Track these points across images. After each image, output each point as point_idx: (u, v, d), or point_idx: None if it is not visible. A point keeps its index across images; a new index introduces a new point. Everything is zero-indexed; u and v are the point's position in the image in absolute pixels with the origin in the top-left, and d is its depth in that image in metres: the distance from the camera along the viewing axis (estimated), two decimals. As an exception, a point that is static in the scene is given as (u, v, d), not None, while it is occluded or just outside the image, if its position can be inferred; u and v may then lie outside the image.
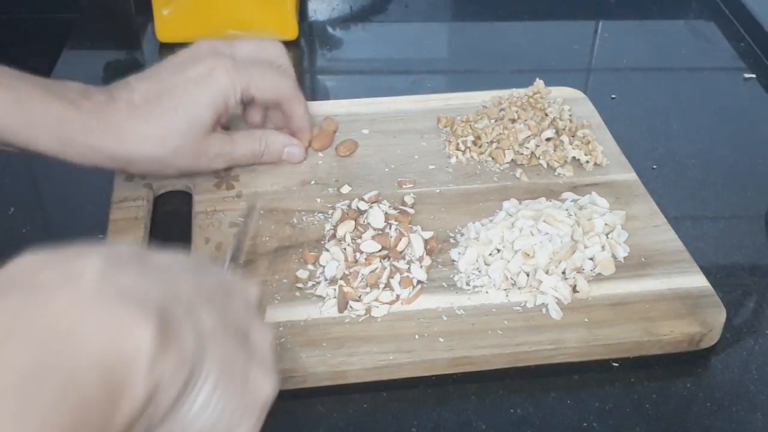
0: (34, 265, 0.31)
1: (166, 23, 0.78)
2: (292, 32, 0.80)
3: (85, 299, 0.30)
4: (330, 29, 0.86)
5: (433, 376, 0.49)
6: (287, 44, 0.80)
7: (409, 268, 0.52)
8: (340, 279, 0.51)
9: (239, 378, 0.35)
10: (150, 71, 0.56)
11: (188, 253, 0.51)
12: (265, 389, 0.36)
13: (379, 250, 0.53)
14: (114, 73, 0.78)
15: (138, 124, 0.53)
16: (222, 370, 0.34)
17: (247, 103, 0.61)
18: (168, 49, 0.79)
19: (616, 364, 0.50)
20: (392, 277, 0.52)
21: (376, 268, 0.52)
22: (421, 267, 0.53)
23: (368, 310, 0.51)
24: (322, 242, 0.55)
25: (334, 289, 0.51)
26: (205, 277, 0.37)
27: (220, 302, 0.36)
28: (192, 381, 0.32)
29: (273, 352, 0.38)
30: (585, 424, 0.47)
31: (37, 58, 0.80)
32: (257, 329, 0.38)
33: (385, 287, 0.51)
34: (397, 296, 0.51)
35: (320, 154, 0.64)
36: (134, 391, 0.30)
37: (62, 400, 0.28)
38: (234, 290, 0.38)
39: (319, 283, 0.52)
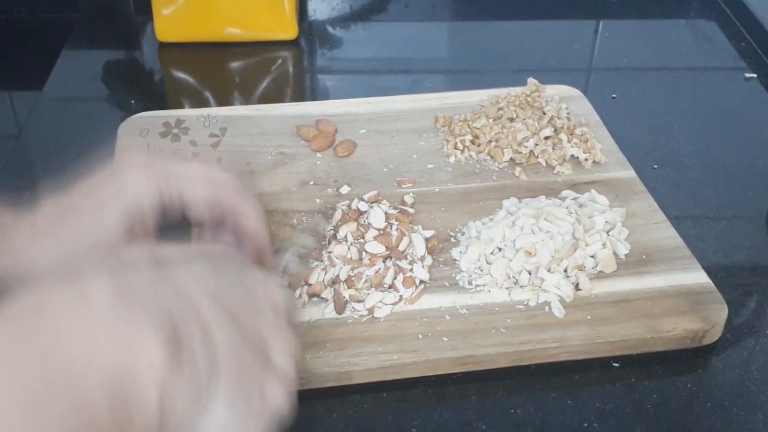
0: (44, 292, 0.31)
1: (165, 23, 0.78)
2: (291, 32, 0.80)
3: (95, 322, 0.30)
4: (330, 29, 0.86)
5: (433, 376, 0.49)
6: (287, 44, 0.81)
7: (411, 268, 0.52)
8: (343, 281, 0.51)
9: (255, 392, 0.34)
10: (69, 187, 0.46)
11: (213, 246, 0.46)
12: (278, 403, 0.35)
13: (383, 252, 0.53)
14: (114, 72, 0.78)
15: (36, 249, 0.45)
16: (237, 385, 0.33)
17: (179, 219, 0.47)
18: (168, 48, 0.79)
19: (616, 364, 0.50)
20: (395, 278, 0.52)
21: (380, 269, 0.52)
22: (423, 266, 0.53)
23: (371, 311, 0.50)
24: (323, 242, 0.55)
25: (332, 290, 0.51)
26: (228, 281, 0.35)
27: (241, 309, 0.35)
28: (205, 398, 0.32)
29: (293, 362, 0.37)
30: (585, 425, 0.47)
31: (37, 58, 0.80)
32: (279, 338, 0.36)
33: (389, 288, 0.51)
34: (401, 297, 0.51)
35: (319, 155, 0.64)
36: (146, 410, 0.29)
37: (72, 420, 0.28)
38: (259, 294, 0.37)
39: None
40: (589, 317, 0.51)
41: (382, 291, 0.51)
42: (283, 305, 0.38)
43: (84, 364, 0.29)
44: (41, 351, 0.28)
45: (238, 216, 0.47)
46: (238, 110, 0.69)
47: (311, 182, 0.61)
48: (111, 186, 0.44)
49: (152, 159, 0.46)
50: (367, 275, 0.51)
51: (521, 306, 0.51)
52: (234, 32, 0.79)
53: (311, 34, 0.84)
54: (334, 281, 0.52)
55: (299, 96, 0.76)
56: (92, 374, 0.29)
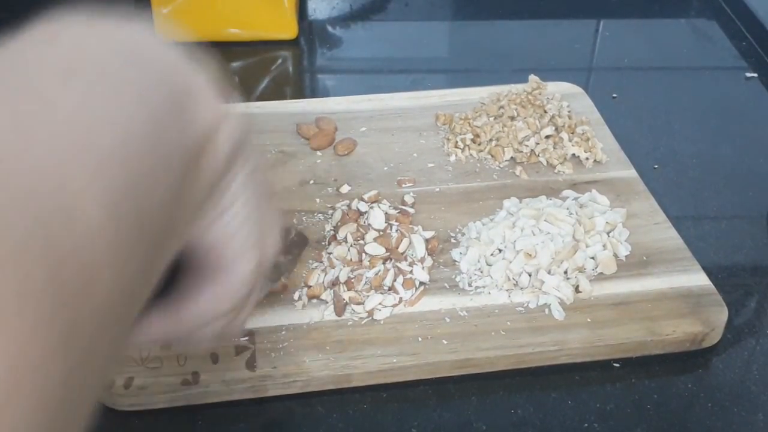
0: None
1: (165, 22, 0.78)
2: (291, 31, 0.80)
3: (145, 31, 0.30)
4: (330, 28, 0.85)
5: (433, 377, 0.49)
6: (287, 43, 0.81)
7: (411, 269, 0.52)
8: (343, 283, 0.51)
9: (261, 205, 0.34)
10: None
11: None
12: (269, 249, 0.35)
13: (383, 253, 0.52)
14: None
15: None
16: (254, 173, 0.33)
17: None
18: (167, 48, 0.79)
19: (617, 365, 0.50)
20: (395, 280, 0.52)
21: (379, 271, 0.52)
22: (423, 268, 0.53)
23: (370, 313, 0.50)
24: (323, 243, 0.55)
25: (331, 292, 0.51)
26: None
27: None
28: (236, 156, 0.32)
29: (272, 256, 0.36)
30: (586, 425, 0.47)
31: (37, 57, 0.80)
32: (273, 216, 0.36)
33: (389, 290, 0.51)
34: (400, 299, 0.51)
35: (319, 153, 0.64)
36: (203, 118, 0.29)
37: (140, 102, 0.27)
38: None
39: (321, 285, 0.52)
40: (588, 320, 0.51)
41: (381, 293, 0.51)
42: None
43: (143, 56, 0.29)
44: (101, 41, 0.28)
45: None
46: (237, 108, 0.68)
47: (311, 181, 0.61)
48: None
49: None
50: (367, 277, 0.51)
51: (521, 308, 0.51)
52: (234, 32, 0.79)
53: (311, 34, 0.84)
54: (334, 283, 0.51)
55: (299, 95, 0.76)
56: (151, 68, 0.29)
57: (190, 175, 0.29)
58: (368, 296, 0.51)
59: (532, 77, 0.68)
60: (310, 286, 0.51)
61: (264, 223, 0.35)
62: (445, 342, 0.49)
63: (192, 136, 0.29)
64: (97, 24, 0.29)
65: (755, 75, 0.78)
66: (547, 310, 0.51)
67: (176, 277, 0.34)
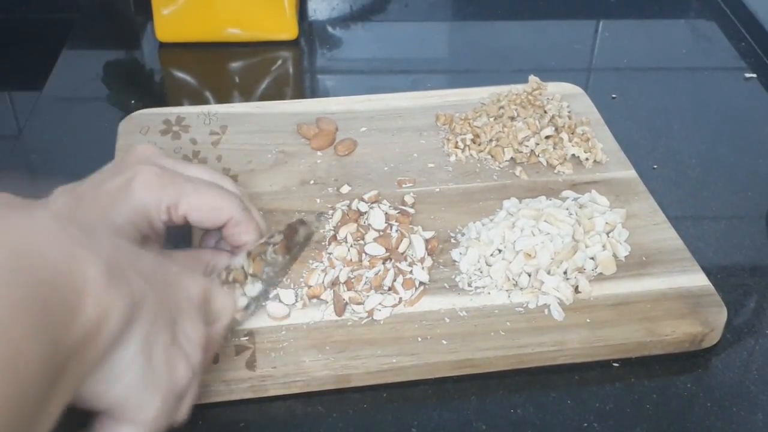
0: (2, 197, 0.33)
1: (165, 23, 0.78)
2: (291, 32, 0.80)
3: (45, 225, 0.32)
4: (330, 28, 0.86)
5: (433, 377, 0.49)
6: (287, 44, 0.81)
7: (411, 270, 0.52)
8: (343, 283, 0.51)
9: (162, 353, 0.36)
10: (79, 182, 0.47)
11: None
12: (181, 377, 0.38)
13: (383, 253, 0.53)
14: (114, 72, 0.78)
15: None
16: (150, 333, 0.35)
17: (184, 223, 0.48)
18: (168, 48, 0.79)
19: (616, 364, 0.50)
20: (395, 280, 0.52)
21: (380, 271, 0.52)
22: (423, 268, 0.53)
23: (370, 313, 0.50)
24: (323, 243, 0.55)
25: (331, 292, 0.51)
26: (158, 266, 0.38)
27: (160, 283, 0.37)
28: (127, 330, 0.34)
29: (201, 352, 0.40)
30: (585, 425, 0.47)
31: (37, 58, 0.80)
32: (192, 322, 0.39)
33: (389, 290, 0.51)
34: (400, 299, 0.51)
35: (319, 153, 0.64)
36: (85, 312, 0.31)
37: (28, 295, 0.29)
38: (175, 281, 0.39)
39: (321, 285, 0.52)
40: (588, 320, 0.51)
41: (381, 293, 0.51)
42: (198, 298, 0.40)
43: (33, 257, 0.30)
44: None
45: (237, 228, 0.48)
46: (238, 107, 0.69)
47: (311, 181, 0.61)
48: (123, 193, 0.45)
49: (162, 167, 0.47)
50: (367, 277, 0.51)
51: (521, 308, 0.51)
52: (234, 32, 0.79)
53: (311, 34, 0.84)
54: (334, 283, 0.51)
55: (299, 96, 0.76)
56: (41, 266, 0.30)
57: (74, 364, 0.31)
58: (368, 296, 0.51)
59: (532, 78, 0.68)
60: (310, 286, 0.52)
61: (165, 365, 0.37)
62: (445, 342, 0.49)
63: (75, 336, 0.31)
64: None
65: (754, 75, 0.78)
66: (546, 311, 0.51)
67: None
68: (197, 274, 0.43)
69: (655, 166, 0.66)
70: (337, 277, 0.51)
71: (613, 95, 0.75)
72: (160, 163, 0.47)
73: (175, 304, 0.39)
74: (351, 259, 0.52)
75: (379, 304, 0.51)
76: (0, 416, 0.27)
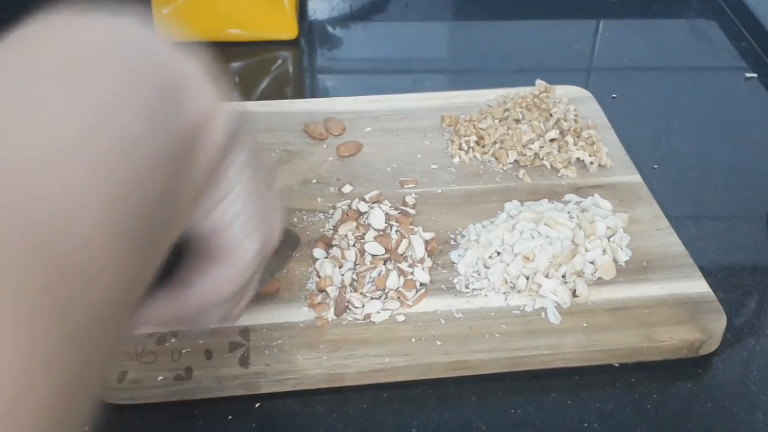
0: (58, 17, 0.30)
1: (165, 22, 0.78)
2: (291, 31, 0.80)
3: (135, 23, 0.30)
4: (330, 28, 0.86)
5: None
6: (287, 43, 0.81)
7: (412, 271, 0.52)
8: (349, 285, 0.51)
9: (263, 194, 0.34)
10: None
11: None
12: (275, 232, 0.36)
13: (383, 254, 0.52)
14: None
15: None
16: (251, 162, 0.33)
17: None
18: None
19: (616, 365, 0.50)
20: (398, 283, 0.51)
21: (381, 271, 0.52)
22: (423, 269, 0.52)
23: (367, 316, 0.50)
24: (323, 241, 0.55)
25: (327, 291, 0.51)
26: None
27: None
28: (232, 146, 0.32)
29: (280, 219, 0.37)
30: (585, 425, 0.47)
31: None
32: (273, 192, 0.37)
33: (391, 293, 0.51)
34: (401, 302, 0.51)
35: (321, 153, 0.64)
36: (195, 107, 0.29)
37: (134, 76, 0.27)
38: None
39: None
40: (584, 324, 0.51)
41: (383, 300, 0.51)
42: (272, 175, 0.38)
43: (134, 45, 0.29)
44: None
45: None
46: (243, 106, 0.69)
47: (314, 180, 0.61)
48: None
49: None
50: (371, 276, 0.51)
51: (517, 311, 0.51)
52: (234, 32, 0.79)
53: (311, 34, 0.84)
54: (340, 285, 0.51)
55: (299, 96, 0.76)
56: (138, 50, 0.29)
57: (186, 164, 0.29)
58: (370, 300, 0.50)
59: (539, 81, 0.68)
60: (320, 277, 0.51)
61: (265, 206, 0.35)
62: (439, 343, 0.49)
63: (186, 126, 0.29)
64: (86, 20, 0.28)
65: (755, 75, 0.78)
66: (543, 314, 0.51)
67: (179, 261, 0.34)
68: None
69: (656, 166, 0.66)
70: (342, 280, 0.51)
71: (614, 95, 0.75)
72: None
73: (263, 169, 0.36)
74: (350, 259, 0.52)
75: (383, 308, 0.50)
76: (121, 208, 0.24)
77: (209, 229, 0.33)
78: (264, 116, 0.67)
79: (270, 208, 0.35)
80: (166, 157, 0.27)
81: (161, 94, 0.28)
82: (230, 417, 0.47)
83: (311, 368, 0.47)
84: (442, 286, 0.53)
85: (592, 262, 0.53)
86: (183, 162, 0.29)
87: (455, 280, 0.53)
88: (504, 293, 0.52)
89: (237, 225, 0.33)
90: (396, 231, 0.54)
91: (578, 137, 0.64)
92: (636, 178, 0.62)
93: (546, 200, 0.59)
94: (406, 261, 0.53)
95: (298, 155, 0.63)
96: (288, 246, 0.52)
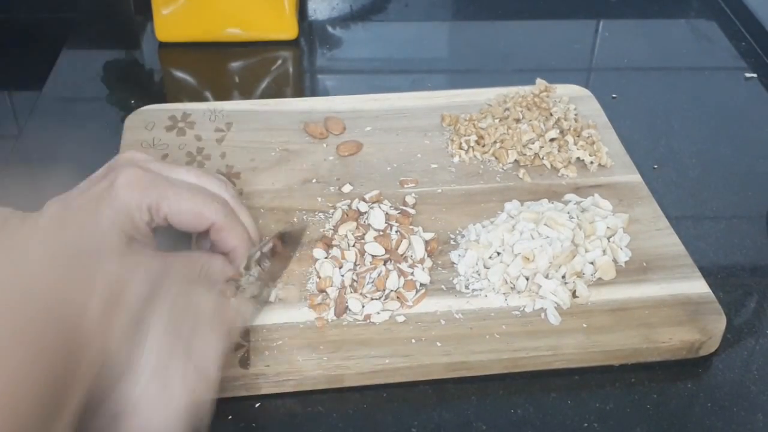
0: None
1: (165, 23, 0.78)
2: (291, 31, 0.80)
3: (38, 253, 0.34)
4: (330, 28, 0.86)
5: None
6: (287, 44, 0.81)
7: (413, 272, 0.52)
8: (349, 286, 0.51)
9: (176, 367, 0.37)
10: (68, 192, 0.48)
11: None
12: (195, 389, 0.39)
13: (383, 254, 0.52)
14: (114, 72, 0.78)
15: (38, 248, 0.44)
16: (165, 346, 0.37)
17: (167, 225, 0.48)
18: (168, 48, 0.79)
19: (616, 365, 0.50)
20: (399, 284, 0.51)
21: (381, 272, 0.52)
22: (423, 270, 0.52)
23: (368, 317, 0.50)
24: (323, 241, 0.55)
25: (327, 292, 0.51)
26: (175, 274, 0.40)
27: (176, 303, 0.38)
28: (137, 345, 0.35)
29: (214, 366, 0.40)
30: (585, 425, 0.47)
31: (37, 58, 0.80)
32: (205, 337, 0.40)
33: (391, 293, 0.51)
34: (401, 303, 0.51)
35: (322, 152, 0.64)
36: (89, 348, 0.33)
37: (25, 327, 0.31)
38: (197, 301, 0.41)
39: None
40: (584, 325, 0.51)
41: (383, 301, 0.51)
42: (212, 313, 0.41)
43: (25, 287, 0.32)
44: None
45: (221, 233, 0.48)
46: (244, 105, 0.69)
47: (314, 180, 0.61)
48: (106, 196, 0.46)
49: (145, 169, 0.47)
50: (371, 277, 0.51)
51: (517, 312, 0.51)
52: (234, 32, 0.79)
53: (311, 34, 0.84)
54: (340, 285, 0.51)
55: (299, 96, 0.76)
56: (32, 296, 0.32)
57: (75, 387, 0.33)
58: (370, 301, 0.50)
59: (540, 80, 0.68)
60: (320, 278, 0.52)
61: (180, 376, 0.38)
62: (439, 344, 0.49)
63: (78, 365, 0.32)
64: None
65: (755, 75, 0.78)
66: (543, 315, 0.51)
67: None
68: (205, 288, 0.44)
69: (656, 166, 0.66)
70: (342, 281, 0.51)
71: (614, 95, 0.75)
72: (145, 166, 0.47)
73: (188, 318, 0.39)
74: (350, 260, 0.52)
75: (383, 309, 0.50)
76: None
77: (118, 406, 0.36)
78: (264, 115, 0.67)
79: (185, 379, 0.38)
80: (55, 393, 0.31)
81: (49, 344, 0.31)
82: (230, 417, 0.47)
83: (311, 369, 0.47)
84: (442, 286, 0.53)
85: (592, 263, 0.53)
86: (70, 390, 0.32)
87: (455, 281, 0.53)
88: (504, 294, 0.52)
89: (143, 402, 0.37)
90: (396, 231, 0.54)
91: (578, 137, 0.64)
92: (636, 177, 0.62)
93: (546, 200, 0.58)
94: (406, 261, 0.53)
95: (298, 154, 0.63)
96: (289, 248, 0.52)
